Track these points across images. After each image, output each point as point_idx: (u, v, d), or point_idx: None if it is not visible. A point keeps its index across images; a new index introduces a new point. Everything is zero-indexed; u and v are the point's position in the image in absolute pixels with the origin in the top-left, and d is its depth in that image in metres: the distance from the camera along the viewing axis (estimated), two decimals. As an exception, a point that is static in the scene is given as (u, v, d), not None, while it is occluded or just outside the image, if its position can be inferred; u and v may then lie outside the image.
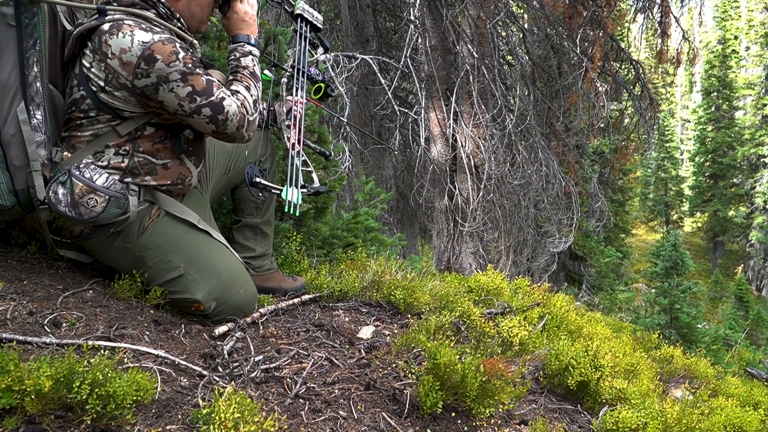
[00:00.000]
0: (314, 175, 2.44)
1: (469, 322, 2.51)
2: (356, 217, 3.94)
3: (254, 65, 2.27)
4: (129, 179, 2.09)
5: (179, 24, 2.17)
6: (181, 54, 1.98)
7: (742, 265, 29.13)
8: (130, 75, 1.94)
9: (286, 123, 2.38)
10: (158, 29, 2.02)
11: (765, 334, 17.71)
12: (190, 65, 1.99)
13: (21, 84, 2.01)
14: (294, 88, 2.43)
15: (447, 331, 2.31)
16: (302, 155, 2.34)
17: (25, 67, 2.01)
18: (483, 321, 2.53)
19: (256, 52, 2.30)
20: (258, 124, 2.56)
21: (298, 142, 2.32)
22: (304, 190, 2.24)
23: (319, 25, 2.61)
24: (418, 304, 2.71)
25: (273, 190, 2.24)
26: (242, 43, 2.29)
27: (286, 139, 2.33)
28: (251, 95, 2.18)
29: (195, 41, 2.17)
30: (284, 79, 2.56)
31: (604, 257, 15.26)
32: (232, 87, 2.15)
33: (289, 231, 3.24)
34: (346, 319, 2.54)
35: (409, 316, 2.65)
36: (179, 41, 2.03)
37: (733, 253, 31.24)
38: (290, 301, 2.56)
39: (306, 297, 2.65)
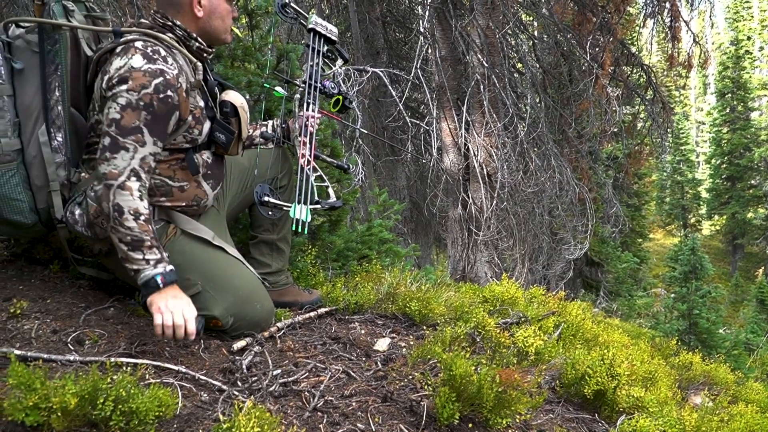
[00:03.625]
0: (330, 190, 2.47)
1: (484, 332, 2.52)
2: (370, 229, 3.97)
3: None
4: None
5: (197, 43, 2.21)
6: (148, 90, 1.96)
7: (763, 268, 28.67)
8: (106, 89, 1.99)
9: (299, 139, 2.41)
10: (164, 54, 2.04)
11: (788, 337, 17.44)
12: (142, 103, 1.96)
13: (43, 107, 2.10)
14: (307, 103, 2.47)
15: (462, 342, 2.33)
16: (318, 170, 2.37)
17: (47, 92, 2.10)
18: (498, 331, 2.54)
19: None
20: (272, 141, 2.61)
21: (312, 158, 2.35)
22: (318, 206, 2.27)
23: (333, 38, 2.63)
24: (433, 315, 2.73)
25: (283, 208, 2.26)
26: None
27: (299, 155, 2.36)
28: (120, 216, 1.95)
29: (199, 63, 2.18)
30: (297, 95, 2.59)
31: (621, 263, 15.12)
32: (137, 200, 1.96)
33: (304, 244, 3.27)
34: (362, 331, 2.56)
35: (425, 327, 2.66)
36: (171, 75, 2.02)
37: (753, 255, 30.78)
38: (306, 315, 2.59)
39: (322, 310, 2.68)
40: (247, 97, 3.28)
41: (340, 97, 2.65)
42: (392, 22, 9.53)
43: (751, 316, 17.22)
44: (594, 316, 8.77)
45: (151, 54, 2.01)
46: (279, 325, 2.41)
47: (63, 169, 2.14)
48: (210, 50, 2.28)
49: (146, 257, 1.95)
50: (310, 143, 2.37)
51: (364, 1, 8.60)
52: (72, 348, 1.95)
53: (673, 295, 11.19)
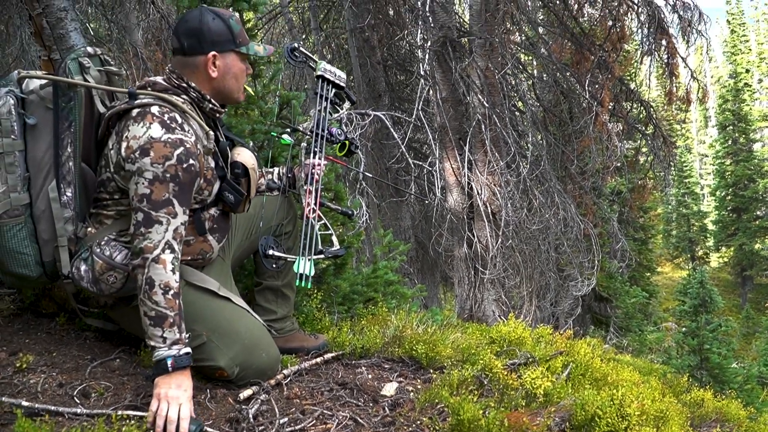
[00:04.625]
0: (334, 238, 2.48)
1: (492, 374, 2.50)
2: (375, 272, 3.97)
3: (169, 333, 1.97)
4: None
5: (210, 104, 2.23)
6: (171, 161, 1.97)
7: (774, 299, 28.34)
8: (126, 158, 1.99)
9: (305, 188, 2.43)
10: (180, 122, 2.06)
11: (804, 369, 17.11)
12: (169, 175, 1.97)
13: (54, 163, 2.12)
14: (313, 152, 2.49)
15: (470, 386, 2.31)
16: (322, 218, 2.39)
17: (59, 148, 2.13)
18: (505, 373, 2.52)
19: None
20: (277, 189, 2.63)
21: (317, 206, 2.36)
22: (321, 256, 2.28)
23: (342, 84, 2.63)
24: (440, 357, 2.71)
25: (288, 260, 2.27)
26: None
27: (305, 204, 2.38)
28: (162, 283, 1.95)
29: (211, 132, 2.20)
30: (303, 143, 2.61)
31: (630, 297, 15.00)
32: (169, 274, 1.97)
33: (310, 289, 3.27)
34: (369, 376, 2.55)
35: (432, 370, 2.64)
36: (190, 143, 2.03)
37: (762, 286, 30.42)
38: (313, 361, 2.58)
39: (328, 355, 2.66)
40: (251, 144, 3.33)
41: (347, 142, 2.67)
42: (393, 65, 9.73)
43: (763, 348, 16.91)
44: (605, 352, 8.66)
45: (168, 122, 2.03)
46: (285, 372, 2.40)
47: (71, 224, 2.15)
48: (222, 110, 2.30)
49: (164, 335, 1.94)
50: (316, 192, 2.39)
51: (365, 45, 8.80)
52: (78, 401, 1.95)
53: (684, 329, 11.05)
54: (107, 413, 1.83)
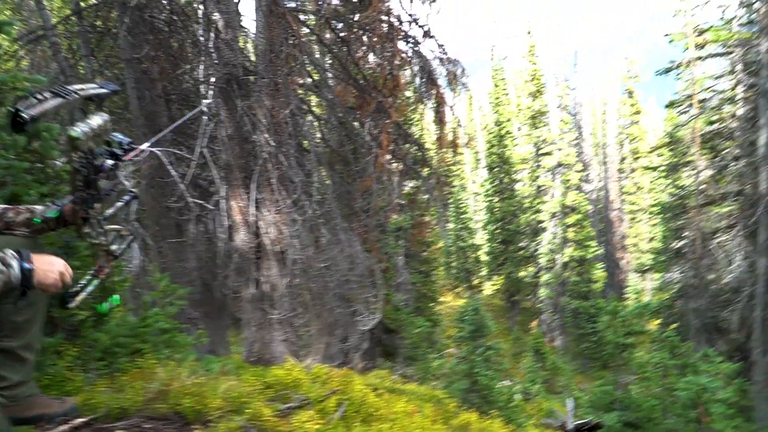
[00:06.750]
0: (120, 233, 2.34)
1: (261, 423, 2.41)
2: (146, 320, 3.67)
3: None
4: None
5: None
6: None
7: (537, 320, 32.14)
8: None
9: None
10: None
11: (561, 381, 19.57)
12: None
13: None
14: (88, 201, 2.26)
15: (236, 438, 2.20)
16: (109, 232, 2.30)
17: None
18: (276, 420, 2.45)
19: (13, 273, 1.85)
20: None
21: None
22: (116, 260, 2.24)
23: (106, 130, 2.24)
24: (209, 410, 2.55)
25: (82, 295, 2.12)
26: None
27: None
28: None
29: None
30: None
31: (415, 328, 15.87)
32: None
33: (60, 345, 2.90)
34: (126, 439, 2.31)
35: (199, 425, 2.47)
36: None
37: (527, 310, 34.36)
38: (58, 430, 2.26)
39: (77, 421, 2.37)
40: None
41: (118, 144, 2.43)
42: (176, 100, 9.30)
43: (529, 366, 19.06)
44: (393, 383, 8.99)
45: None
46: (18, 447, 2.07)
47: None
48: None
49: None
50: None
51: (144, 77, 8.31)
52: None
53: (462, 355, 11.96)
54: None
